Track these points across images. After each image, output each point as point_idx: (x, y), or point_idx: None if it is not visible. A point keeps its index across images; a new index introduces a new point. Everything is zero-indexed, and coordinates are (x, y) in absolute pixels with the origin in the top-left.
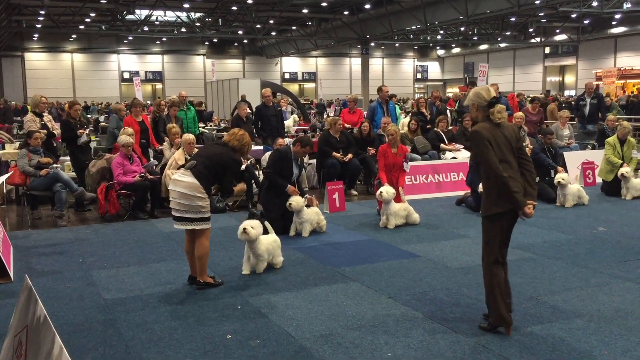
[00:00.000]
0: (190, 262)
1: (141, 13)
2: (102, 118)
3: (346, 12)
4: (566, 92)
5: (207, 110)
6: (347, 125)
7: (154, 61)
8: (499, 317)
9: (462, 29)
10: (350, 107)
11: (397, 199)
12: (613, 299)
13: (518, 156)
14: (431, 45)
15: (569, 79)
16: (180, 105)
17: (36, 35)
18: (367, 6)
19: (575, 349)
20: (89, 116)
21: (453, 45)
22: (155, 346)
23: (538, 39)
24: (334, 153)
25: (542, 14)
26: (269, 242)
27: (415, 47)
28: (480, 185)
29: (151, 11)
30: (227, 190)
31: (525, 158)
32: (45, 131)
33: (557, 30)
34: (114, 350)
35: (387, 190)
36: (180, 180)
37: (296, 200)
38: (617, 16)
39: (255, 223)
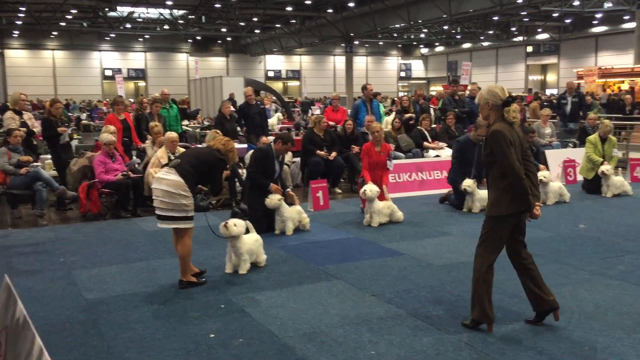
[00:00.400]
0: None
1: (123, 10)
2: (83, 116)
3: (330, 10)
4: (548, 91)
5: (191, 108)
6: (331, 123)
7: (137, 59)
8: (482, 314)
9: (446, 27)
10: (334, 105)
11: (381, 197)
12: (593, 295)
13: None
14: (415, 43)
15: (551, 77)
16: (163, 103)
17: (16, 32)
18: (351, 4)
19: (557, 346)
20: (70, 114)
21: (436, 44)
22: (137, 346)
23: (520, 38)
24: (318, 151)
25: (524, 13)
26: (252, 241)
27: (399, 46)
28: (465, 183)
29: (133, 8)
30: (216, 190)
31: (528, 159)
32: (25, 129)
33: (539, 30)
34: (95, 351)
35: (370, 189)
36: (163, 179)
37: (270, 198)
38: (598, 15)
39: (239, 222)
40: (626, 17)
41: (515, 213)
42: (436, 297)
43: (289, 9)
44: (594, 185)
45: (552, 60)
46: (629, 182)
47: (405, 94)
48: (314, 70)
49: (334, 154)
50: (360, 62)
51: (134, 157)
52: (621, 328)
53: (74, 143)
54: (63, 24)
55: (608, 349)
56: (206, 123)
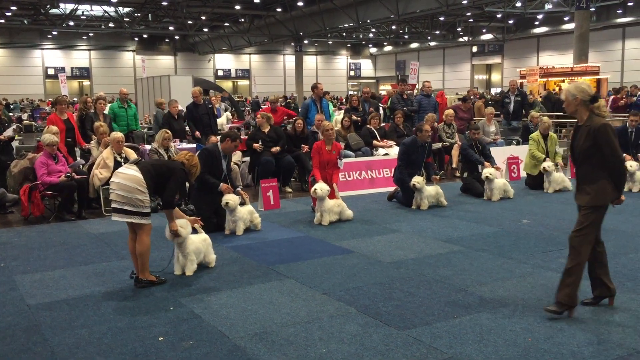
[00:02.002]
0: (134, 262)
1: (66, 7)
2: (25, 116)
3: (279, 9)
4: (492, 90)
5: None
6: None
7: (81, 57)
8: (605, 289)
9: (394, 27)
10: (272, 107)
11: (331, 195)
12: (536, 288)
13: None
14: (364, 43)
15: (495, 77)
16: (121, 102)
17: None
18: (300, 3)
19: (501, 337)
20: (10, 114)
21: (385, 44)
22: (83, 351)
23: (466, 38)
24: (254, 144)
25: (469, 13)
26: (199, 241)
27: (348, 45)
28: (414, 179)
29: (76, 5)
30: (167, 197)
31: None
32: None
33: (484, 30)
34: (39, 358)
35: (321, 187)
36: (122, 173)
37: (232, 199)
38: (540, 16)
39: (184, 222)
40: (566, 18)
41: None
42: (386, 293)
43: (238, 7)
44: (536, 181)
45: (496, 60)
46: (569, 178)
47: (355, 93)
48: (264, 70)
49: (276, 147)
50: (310, 61)
51: (78, 158)
52: (562, 319)
53: (15, 144)
54: (2, 21)
55: (550, 339)
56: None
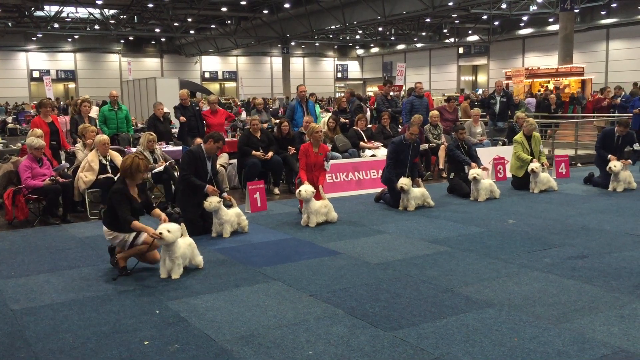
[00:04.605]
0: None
1: (51, 9)
2: (9, 119)
3: (266, 11)
4: (479, 91)
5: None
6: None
7: (66, 59)
8: None
9: (380, 29)
10: (212, 108)
11: (317, 196)
12: (522, 288)
13: None
14: (350, 44)
15: (482, 78)
16: (112, 104)
17: None
18: (287, 5)
19: (487, 337)
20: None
21: (372, 45)
22: (66, 357)
23: (452, 40)
24: (254, 152)
25: (455, 15)
26: (184, 246)
27: (335, 47)
28: (401, 181)
29: (61, 7)
30: (122, 223)
31: None
32: None
33: (470, 32)
34: None
35: (306, 189)
36: None
37: (209, 201)
38: (525, 18)
39: (173, 227)
40: (550, 20)
41: None
42: (373, 295)
43: (224, 9)
44: (522, 182)
45: (482, 61)
46: (554, 178)
47: (343, 95)
48: (251, 72)
49: (270, 153)
50: (297, 63)
51: (63, 162)
52: (547, 318)
53: None
54: None
55: (536, 339)
56: (140, 125)
